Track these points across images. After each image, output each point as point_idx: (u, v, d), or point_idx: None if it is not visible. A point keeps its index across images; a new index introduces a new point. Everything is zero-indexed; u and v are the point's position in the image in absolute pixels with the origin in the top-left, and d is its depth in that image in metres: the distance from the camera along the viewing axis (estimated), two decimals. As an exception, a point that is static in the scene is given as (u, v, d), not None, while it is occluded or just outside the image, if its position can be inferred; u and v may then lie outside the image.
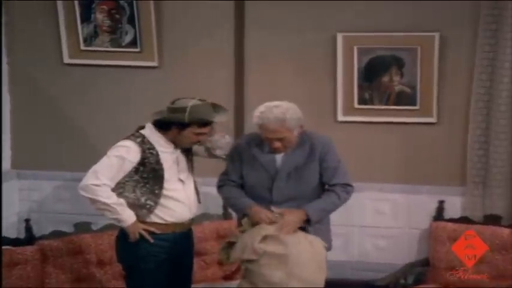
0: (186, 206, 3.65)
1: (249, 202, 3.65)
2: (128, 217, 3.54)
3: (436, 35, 4.64)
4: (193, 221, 3.78)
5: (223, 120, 3.62)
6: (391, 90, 4.78)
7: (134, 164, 3.53)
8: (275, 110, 3.55)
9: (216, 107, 3.59)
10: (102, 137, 4.86)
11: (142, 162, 3.53)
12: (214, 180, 4.11)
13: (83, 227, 4.51)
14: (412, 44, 4.67)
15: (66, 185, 5.05)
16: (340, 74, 4.80)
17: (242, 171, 3.71)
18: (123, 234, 3.63)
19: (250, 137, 3.78)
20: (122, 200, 3.55)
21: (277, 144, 3.60)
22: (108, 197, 3.50)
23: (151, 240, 3.56)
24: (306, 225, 3.58)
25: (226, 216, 4.87)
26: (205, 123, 3.56)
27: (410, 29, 4.68)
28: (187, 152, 3.73)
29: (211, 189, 4.26)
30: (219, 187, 3.83)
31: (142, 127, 3.67)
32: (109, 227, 4.42)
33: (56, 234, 4.43)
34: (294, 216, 3.57)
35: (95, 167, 3.54)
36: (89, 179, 3.51)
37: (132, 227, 3.54)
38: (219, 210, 4.85)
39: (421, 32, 4.66)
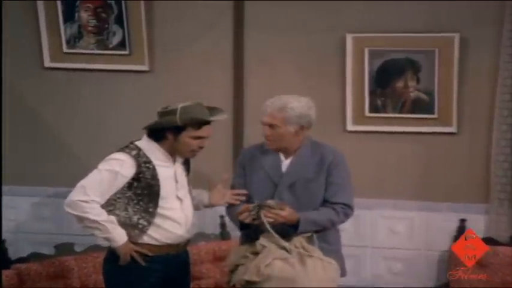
0: (182, 227, 3.60)
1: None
2: (119, 236, 3.48)
3: (456, 36, 4.62)
4: (189, 241, 3.74)
5: (220, 119, 3.58)
6: (405, 97, 4.76)
7: (128, 179, 3.48)
8: (284, 98, 3.63)
9: (210, 109, 3.56)
10: (87, 149, 4.92)
11: (137, 178, 3.48)
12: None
13: (65, 249, 4.47)
14: (429, 45, 4.65)
15: (46, 201, 5.04)
16: (349, 78, 4.79)
17: (246, 181, 3.73)
18: (111, 256, 3.58)
19: (256, 145, 3.80)
20: (112, 218, 3.49)
21: (267, 131, 3.62)
22: (98, 214, 3.44)
23: (143, 263, 3.51)
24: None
25: (224, 236, 4.83)
26: (201, 125, 3.51)
27: (428, 29, 4.66)
28: (186, 167, 3.69)
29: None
30: (227, 207, 3.82)
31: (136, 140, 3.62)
32: (94, 248, 4.39)
33: (35, 257, 4.39)
34: (287, 215, 3.54)
35: (83, 182, 3.48)
36: (76, 194, 3.45)
37: (123, 247, 3.49)
38: (216, 230, 4.83)
39: (440, 33, 4.64)
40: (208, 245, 4.70)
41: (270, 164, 3.69)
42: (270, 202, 3.53)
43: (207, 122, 3.53)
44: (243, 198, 3.70)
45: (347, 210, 3.67)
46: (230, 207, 3.78)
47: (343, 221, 3.70)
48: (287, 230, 3.56)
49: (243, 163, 3.78)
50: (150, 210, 3.51)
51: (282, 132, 3.61)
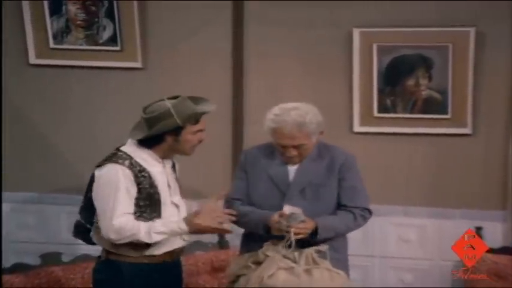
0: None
1: (265, 212, 3.59)
2: (177, 227, 3.48)
3: (472, 30, 4.60)
4: (183, 249, 3.72)
5: (214, 108, 3.58)
6: (417, 96, 4.75)
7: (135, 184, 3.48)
8: (293, 112, 3.57)
9: (193, 100, 3.56)
10: (76, 151, 4.95)
11: (137, 189, 3.48)
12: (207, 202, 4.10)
13: (51, 259, 4.46)
14: (442, 41, 4.63)
15: (31, 208, 5.02)
16: (356, 76, 4.77)
17: (248, 186, 3.71)
18: (101, 266, 3.59)
19: (259, 147, 3.78)
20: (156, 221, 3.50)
21: (293, 152, 3.60)
22: (145, 229, 3.44)
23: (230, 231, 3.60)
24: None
25: (222, 245, 4.82)
26: (198, 118, 3.55)
27: (441, 23, 4.64)
28: (173, 170, 3.70)
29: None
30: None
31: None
32: (83, 258, 4.41)
33: (19, 268, 4.37)
34: (308, 229, 3.52)
35: (105, 221, 3.45)
36: (110, 233, 3.45)
37: (193, 229, 3.49)
38: (214, 238, 4.81)
39: (454, 27, 4.62)
40: (206, 255, 4.68)
41: (275, 171, 3.66)
42: (298, 215, 3.48)
43: (201, 114, 3.57)
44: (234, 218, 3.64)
45: (365, 213, 3.69)
46: (234, 205, 3.71)
47: (360, 226, 3.71)
48: (306, 238, 3.54)
49: (244, 166, 3.76)
50: (155, 220, 3.51)
51: (307, 147, 3.61)
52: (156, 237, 3.45)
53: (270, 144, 3.68)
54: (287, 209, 3.51)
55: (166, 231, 3.46)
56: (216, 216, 3.52)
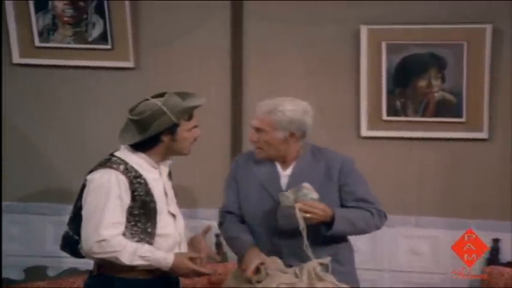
0: (176, 245, 3.55)
1: (247, 243, 3.61)
2: (163, 258, 3.44)
3: (488, 27, 4.57)
4: None
5: (203, 101, 3.58)
6: (429, 98, 4.73)
7: (129, 194, 3.45)
8: (277, 101, 3.61)
9: (180, 95, 3.56)
10: (64, 157, 4.93)
11: (132, 197, 3.45)
12: (204, 211, 4.42)
13: (36, 273, 4.54)
14: (456, 39, 4.62)
15: (14, 218, 4.98)
16: (364, 77, 4.75)
17: (239, 195, 3.71)
18: (93, 281, 3.55)
19: (251, 152, 3.75)
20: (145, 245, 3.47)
21: (254, 135, 3.63)
22: (131, 249, 3.41)
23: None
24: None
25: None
26: (191, 114, 3.55)
27: (455, 20, 4.62)
28: (170, 178, 3.67)
29: (199, 223, 4.42)
30: (219, 225, 3.81)
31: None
32: (70, 272, 4.44)
33: (2, 283, 4.38)
34: (320, 210, 3.46)
35: (88, 224, 3.40)
36: (92, 245, 3.40)
37: (177, 268, 3.45)
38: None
39: (468, 24, 4.61)
40: (203, 268, 4.62)
41: (266, 178, 3.65)
42: (310, 192, 3.42)
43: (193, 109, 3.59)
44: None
45: (381, 213, 3.66)
46: (222, 227, 3.74)
47: (378, 227, 3.66)
48: (319, 229, 3.49)
49: (235, 175, 3.75)
50: (149, 230, 3.48)
51: (268, 138, 3.59)
52: (137, 261, 3.40)
53: None
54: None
55: (150, 257, 3.41)
56: (202, 260, 3.52)
